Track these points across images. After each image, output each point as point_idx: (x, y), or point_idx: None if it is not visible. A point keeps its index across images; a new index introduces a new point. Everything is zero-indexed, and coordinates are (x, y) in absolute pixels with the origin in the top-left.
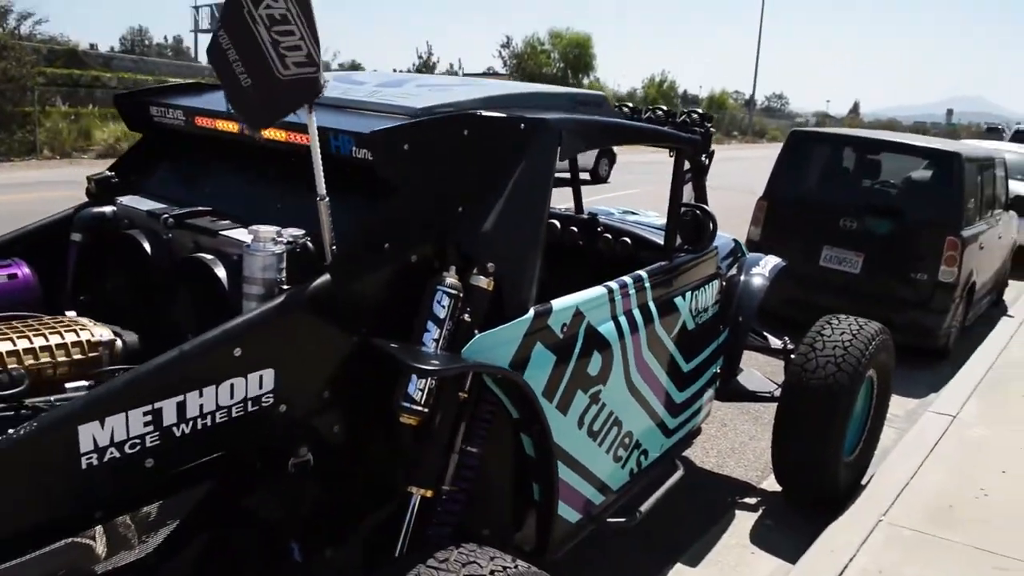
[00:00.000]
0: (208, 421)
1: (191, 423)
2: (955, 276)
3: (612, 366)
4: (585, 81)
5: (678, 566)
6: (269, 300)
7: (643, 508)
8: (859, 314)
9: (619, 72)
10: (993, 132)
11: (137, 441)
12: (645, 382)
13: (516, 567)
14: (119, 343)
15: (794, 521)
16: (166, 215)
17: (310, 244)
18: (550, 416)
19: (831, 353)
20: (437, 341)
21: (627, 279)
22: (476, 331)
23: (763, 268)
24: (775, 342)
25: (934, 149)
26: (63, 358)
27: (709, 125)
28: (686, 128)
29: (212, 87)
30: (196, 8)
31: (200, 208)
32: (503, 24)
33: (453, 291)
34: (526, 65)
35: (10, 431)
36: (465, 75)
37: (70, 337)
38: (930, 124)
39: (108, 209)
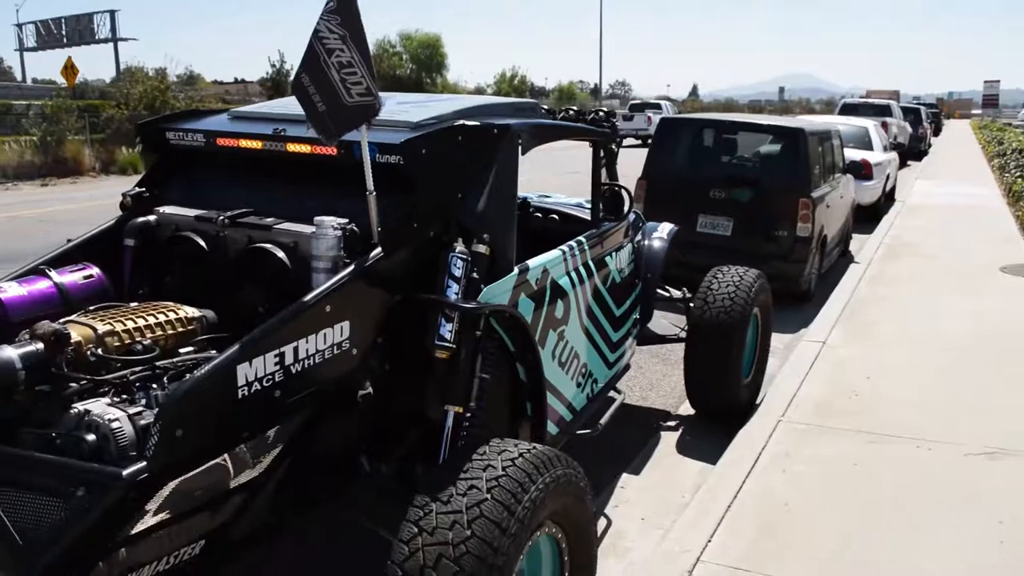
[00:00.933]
0: (312, 361)
1: (301, 363)
2: (809, 231)
3: (570, 310)
4: (438, 80)
5: (626, 475)
6: (337, 271)
7: (602, 421)
8: None
9: (468, 69)
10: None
11: (270, 377)
12: (592, 323)
13: (538, 448)
14: (206, 318)
15: (708, 433)
16: (220, 217)
17: (355, 228)
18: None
19: (723, 295)
20: (458, 294)
21: (572, 243)
22: (483, 286)
23: (662, 232)
24: (676, 294)
25: (782, 127)
26: (171, 331)
27: (614, 120)
28: (597, 124)
29: (210, 112)
30: (19, 26)
31: (245, 210)
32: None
33: (465, 256)
34: (380, 68)
35: (194, 372)
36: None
37: (172, 316)
38: (764, 101)
39: (152, 218)
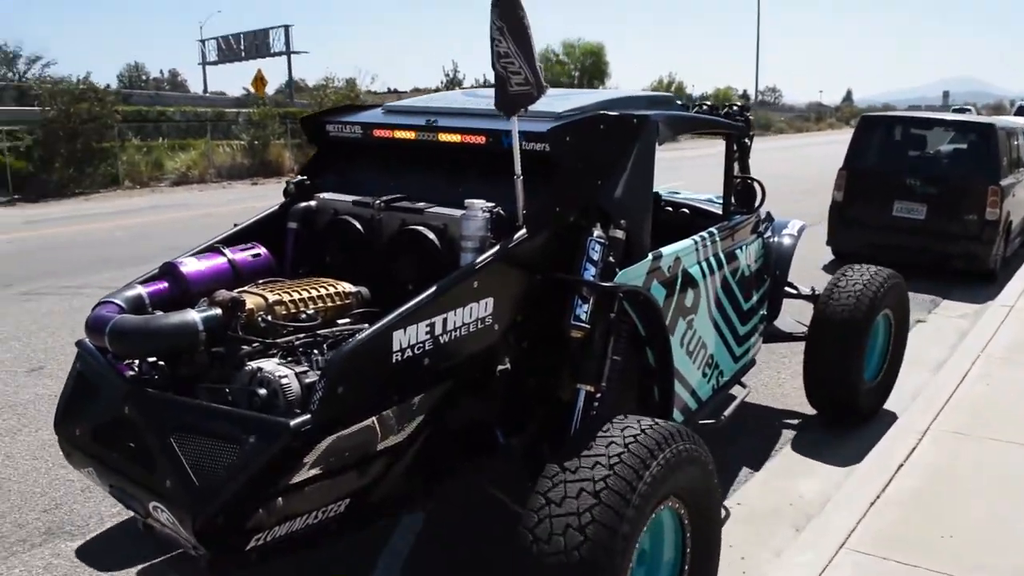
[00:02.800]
0: (459, 333)
1: (449, 334)
2: (997, 216)
3: (699, 299)
4: (600, 87)
5: (757, 471)
6: (485, 251)
7: (726, 413)
8: (926, 249)
9: (627, 77)
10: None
11: (420, 345)
12: (720, 314)
13: (661, 424)
14: (361, 294)
15: (830, 436)
16: (376, 201)
17: (502, 212)
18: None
19: (848, 294)
20: (594, 276)
21: (704, 234)
22: (618, 269)
23: (792, 229)
24: (804, 290)
25: (975, 122)
26: (331, 303)
27: (748, 114)
28: (731, 117)
29: (366, 107)
30: (203, 42)
31: (399, 195)
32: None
33: (603, 240)
34: (545, 76)
35: (357, 336)
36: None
37: (332, 290)
38: (925, 107)
39: (313, 203)
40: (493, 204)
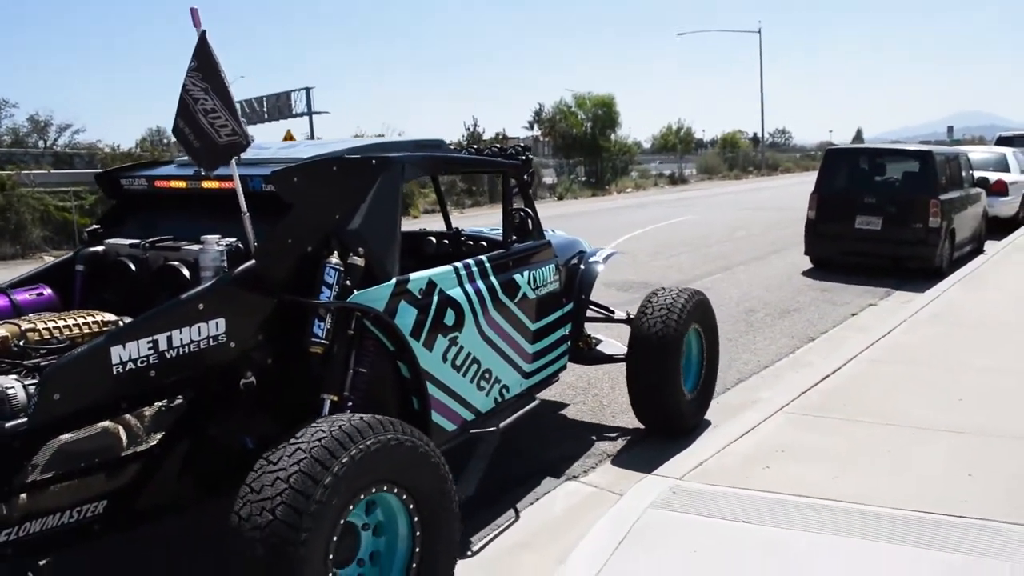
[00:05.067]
0: (188, 349)
1: (176, 350)
2: (939, 224)
3: (464, 320)
4: (612, 136)
5: (596, 469)
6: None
7: (503, 424)
8: (879, 254)
9: (638, 124)
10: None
11: (144, 359)
12: (496, 333)
13: (368, 417)
14: (121, 321)
15: (655, 443)
16: (144, 243)
17: (240, 245)
18: (418, 350)
19: (659, 315)
20: (329, 298)
21: (470, 260)
22: (355, 291)
23: (599, 257)
24: (620, 314)
25: (916, 150)
26: (87, 331)
27: (528, 153)
28: (512, 157)
29: (161, 163)
30: None
31: (164, 237)
32: (531, 91)
33: (338, 267)
34: (559, 127)
35: (74, 350)
36: (507, 138)
37: (91, 319)
38: (935, 142)
39: (100, 248)
40: (233, 239)
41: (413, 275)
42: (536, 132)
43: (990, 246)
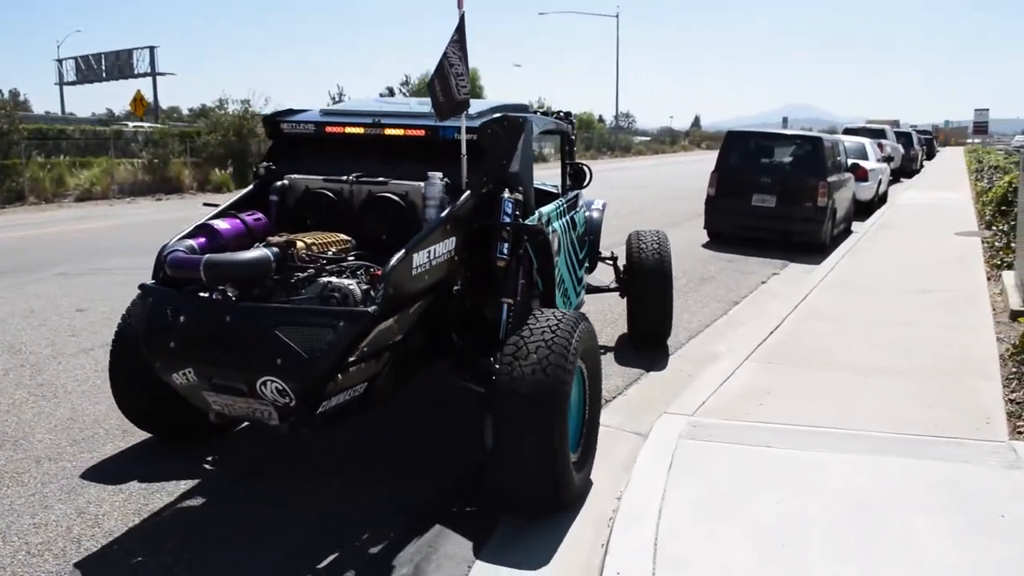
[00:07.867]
0: (439, 260)
1: (437, 259)
2: (826, 203)
3: (561, 244)
4: None
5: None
6: (444, 207)
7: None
8: (776, 229)
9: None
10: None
11: (423, 265)
12: (571, 257)
13: (572, 312)
14: (352, 241)
15: (652, 387)
16: (348, 177)
17: (448, 181)
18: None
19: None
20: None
21: (559, 201)
22: (522, 221)
23: (598, 205)
24: (606, 253)
25: (808, 135)
26: (340, 246)
27: (571, 118)
28: (570, 121)
29: (305, 110)
30: (60, 62)
31: (362, 173)
32: (400, 62)
33: (511, 199)
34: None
35: (395, 256)
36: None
37: (336, 238)
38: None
39: (284, 182)
40: (443, 174)
41: (542, 209)
42: None
43: (856, 226)
